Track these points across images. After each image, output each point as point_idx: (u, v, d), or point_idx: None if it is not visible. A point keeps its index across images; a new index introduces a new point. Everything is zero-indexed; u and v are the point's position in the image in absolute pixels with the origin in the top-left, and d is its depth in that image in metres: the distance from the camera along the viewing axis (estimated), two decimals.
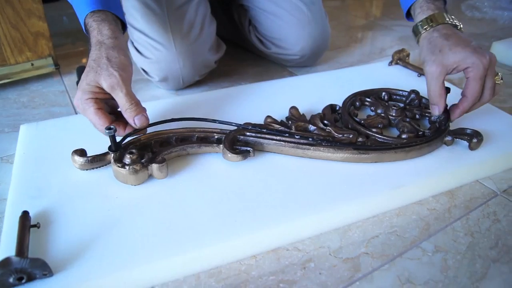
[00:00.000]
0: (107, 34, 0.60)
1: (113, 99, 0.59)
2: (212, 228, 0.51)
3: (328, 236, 0.56)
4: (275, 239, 0.53)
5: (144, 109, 0.60)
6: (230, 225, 0.52)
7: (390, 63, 0.98)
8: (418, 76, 0.92)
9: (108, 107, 0.62)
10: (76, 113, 0.85)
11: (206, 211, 0.54)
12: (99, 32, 0.61)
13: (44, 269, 0.44)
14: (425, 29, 0.68)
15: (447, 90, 0.67)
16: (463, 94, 0.65)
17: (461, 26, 0.69)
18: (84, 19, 0.63)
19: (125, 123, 0.61)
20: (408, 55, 0.99)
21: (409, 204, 0.61)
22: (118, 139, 0.58)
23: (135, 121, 0.59)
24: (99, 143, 0.61)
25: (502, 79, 0.66)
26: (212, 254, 0.50)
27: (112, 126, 0.56)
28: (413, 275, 0.50)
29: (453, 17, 0.68)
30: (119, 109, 0.63)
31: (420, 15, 0.69)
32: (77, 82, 0.62)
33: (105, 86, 0.57)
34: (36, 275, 0.44)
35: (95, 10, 0.62)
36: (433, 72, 0.64)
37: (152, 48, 0.88)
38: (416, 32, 0.70)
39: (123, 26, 0.66)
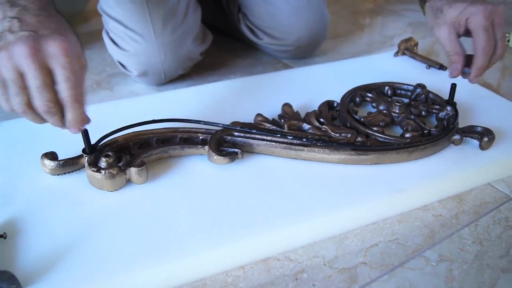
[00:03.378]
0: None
1: None
2: (196, 236, 0.54)
3: (323, 244, 0.58)
4: (265, 248, 0.56)
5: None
6: (215, 233, 0.54)
7: (396, 54, 1.01)
8: (427, 68, 0.95)
9: None
10: None
11: (190, 218, 0.56)
12: None
13: (12, 283, 0.46)
14: None
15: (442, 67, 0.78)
16: (474, 50, 0.68)
17: None
18: None
19: None
20: (416, 44, 1.02)
21: (412, 210, 0.64)
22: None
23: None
24: (72, 145, 0.63)
25: (509, 41, 0.69)
26: (196, 265, 0.52)
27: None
28: (415, 286, 0.53)
29: None
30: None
31: None
32: None
33: None
34: None
35: None
36: (441, 34, 0.70)
37: (129, 39, 0.90)
38: (421, 5, 0.77)
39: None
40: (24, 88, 0.48)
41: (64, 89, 0.49)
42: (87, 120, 0.52)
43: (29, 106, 0.49)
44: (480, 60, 0.67)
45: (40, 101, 0.48)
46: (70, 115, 0.50)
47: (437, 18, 0.71)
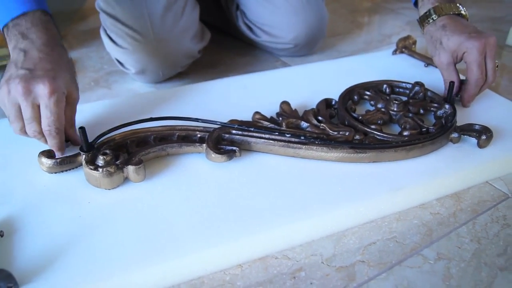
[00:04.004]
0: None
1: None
2: (193, 235, 0.54)
3: (321, 243, 0.58)
4: (263, 246, 0.56)
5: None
6: (213, 231, 0.54)
7: (394, 52, 1.01)
8: (425, 66, 0.95)
9: None
10: None
11: (187, 216, 0.56)
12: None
13: (9, 281, 0.46)
14: (427, 22, 0.80)
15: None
16: (467, 80, 0.76)
17: (466, 13, 0.77)
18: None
19: None
20: (414, 42, 1.02)
21: (410, 208, 0.64)
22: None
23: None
24: (69, 143, 0.63)
25: (497, 66, 0.77)
26: (193, 263, 0.52)
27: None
28: (413, 284, 0.53)
29: (458, 5, 0.77)
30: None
31: (422, 8, 0.81)
32: None
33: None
34: None
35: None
36: (441, 63, 0.78)
37: (127, 37, 0.90)
38: (420, 26, 0.83)
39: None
40: (19, 117, 0.61)
41: (44, 124, 0.60)
42: (62, 149, 0.63)
43: (23, 131, 0.62)
44: (471, 90, 0.76)
45: (29, 129, 0.61)
46: (49, 143, 0.62)
47: (436, 49, 0.78)
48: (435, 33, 0.78)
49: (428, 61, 0.95)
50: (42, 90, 0.58)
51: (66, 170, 0.63)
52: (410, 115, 0.73)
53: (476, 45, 0.72)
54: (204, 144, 0.65)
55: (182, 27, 0.93)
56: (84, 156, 0.60)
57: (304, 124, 0.70)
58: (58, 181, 0.62)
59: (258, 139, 0.67)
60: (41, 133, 0.61)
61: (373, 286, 0.53)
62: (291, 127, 0.70)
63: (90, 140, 0.61)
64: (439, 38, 0.77)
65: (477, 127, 0.70)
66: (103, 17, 0.93)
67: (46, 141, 0.63)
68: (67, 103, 0.63)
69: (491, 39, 0.73)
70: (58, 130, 0.61)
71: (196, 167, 0.65)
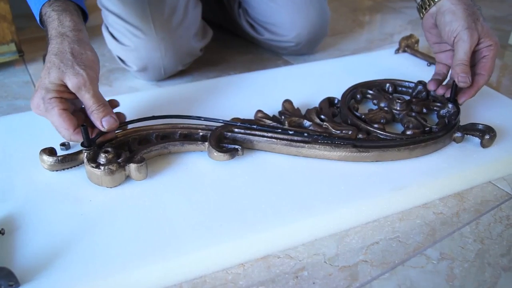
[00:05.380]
0: (69, 26, 0.61)
1: (77, 98, 0.60)
2: (195, 233, 0.53)
3: (324, 242, 0.58)
4: (265, 245, 0.55)
5: (111, 111, 0.61)
6: (215, 230, 0.54)
7: (397, 51, 1.01)
8: (428, 65, 0.95)
9: (71, 106, 0.62)
10: None
11: (189, 215, 0.56)
12: (60, 23, 0.61)
13: (10, 279, 0.46)
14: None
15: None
16: (478, 72, 0.71)
17: None
18: (41, 9, 0.63)
19: (92, 125, 0.62)
20: (417, 41, 1.02)
21: (413, 208, 0.63)
22: None
23: (102, 123, 0.60)
24: (71, 141, 0.62)
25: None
26: (195, 262, 0.52)
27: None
28: (416, 284, 0.53)
29: None
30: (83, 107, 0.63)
31: None
32: None
33: (70, 85, 0.58)
34: (1, 286, 0.46)
35: None
36: (464, 47, 0.69)
37: (129, 34, 0.90)
38: (419, 10, 0.75)
39: (85, 17, 0.67)
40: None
41: (61, 135, 0.61)
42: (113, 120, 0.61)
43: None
44: (472, 92, 0.72)
45: (64, 137, 0.61)
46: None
47: (472, 23, 0.69)
48: (451, 26, 0.70)
49: (431, 60, 0.95)
50: (33, 108, 0.59)
51: (67, 168, 0.62)
52: (413, 114, 0.73)
53: (493, 54, 0.70)
54: (206, 143, 0.65)
55: (184, 25, 0.92)
56: (85, 154, 0.60)
57: (306, 123, 0.70)
58: (59, 179, 0.61)
59: (261, 138, 0.66)
60: (71, 138, 0.60)
61: (376, 286, 0.52)
62: (293, 126, 0.69)
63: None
64: (472, 16, 0.69)
65: (480, 126, 0.70)
66: (105, 14, 0.93)
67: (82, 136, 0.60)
68: (72, 92, 0.60)
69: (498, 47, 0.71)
70: (70, 134, 0.59)
71: (198, 165, 0.65)
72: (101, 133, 0.62)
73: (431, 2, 0.73)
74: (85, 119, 0.62)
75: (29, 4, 0.65)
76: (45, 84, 0.58)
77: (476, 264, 0.56)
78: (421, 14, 0.76)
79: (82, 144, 0.60)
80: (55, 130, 0.60)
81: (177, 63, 0.96)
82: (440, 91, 0.74)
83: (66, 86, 0.59)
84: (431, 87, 0.75)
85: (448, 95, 0.73)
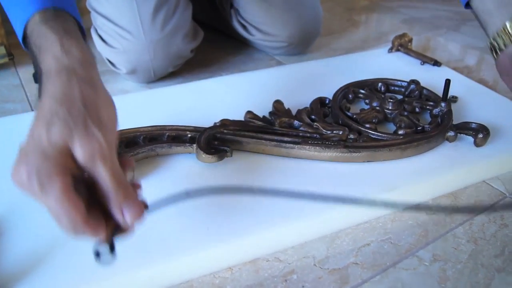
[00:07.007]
0: (77, 56, 0.44)
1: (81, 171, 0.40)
2: (182, 237, 0.53)
3: (313, 244, 0.57)
4: (254, 248, 0.55)
5: (136, 197, 0.41)
6: (202, 233, 0.53)
7: (390, 50, 1.01)
8: (421, 64, 0.95)
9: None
10: (33, 110, 0.86)
11: (176, 218, 0.55)
12: (63, 49, 0.44)
13: None
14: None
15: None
16: None
17: None
18: (27, 23, 0.47)
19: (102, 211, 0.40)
20: (410, 40, 1.01)
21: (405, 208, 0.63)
22: None
23: (124, 215, 0.39)
24: None
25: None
26: (182, 266, 0.51)
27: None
28: (408, 287, 0.52)
29: None
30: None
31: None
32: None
33: (80, 153, 0.38)
34: None
35: (47, 8, 0.47)
36: None
37: (118, 37, 0.89)
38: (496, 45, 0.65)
39: (82, 34, 0.53)
40: None
41: None
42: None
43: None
44: None
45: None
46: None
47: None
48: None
49: (425, 59, 0.95)
50: (18, 181, 0.39)
51: None
52: (406, 113, 0.72)
53: None
54: (195, 145, 0.64)
55: (174, 27, 0.92)
56: None
57: (297, 123, 0.69)
58: None
59: (250, 139, 0.66)
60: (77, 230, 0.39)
61: None
62: (284, 127, 0.69)
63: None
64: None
65: (473, 125, 0.69)
66: (94, 16, 0.93)
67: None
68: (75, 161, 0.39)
69: None
70: (77, 226, 0.37)
71: (186, 167, 0.64)
72: (117, 228, 0.41)
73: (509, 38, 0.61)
74: (88, 198, 0.40)
75: (8, 16, 0.50)
76: (42, 147, 0.37)
77: (469, 265, 0.55)
78: (494, 54, 0.66)
79: (96, 254, 0.40)
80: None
81: (167, 65, 0.95)
82: None
83: (71, 152, 0.38)
84: None
85: None
